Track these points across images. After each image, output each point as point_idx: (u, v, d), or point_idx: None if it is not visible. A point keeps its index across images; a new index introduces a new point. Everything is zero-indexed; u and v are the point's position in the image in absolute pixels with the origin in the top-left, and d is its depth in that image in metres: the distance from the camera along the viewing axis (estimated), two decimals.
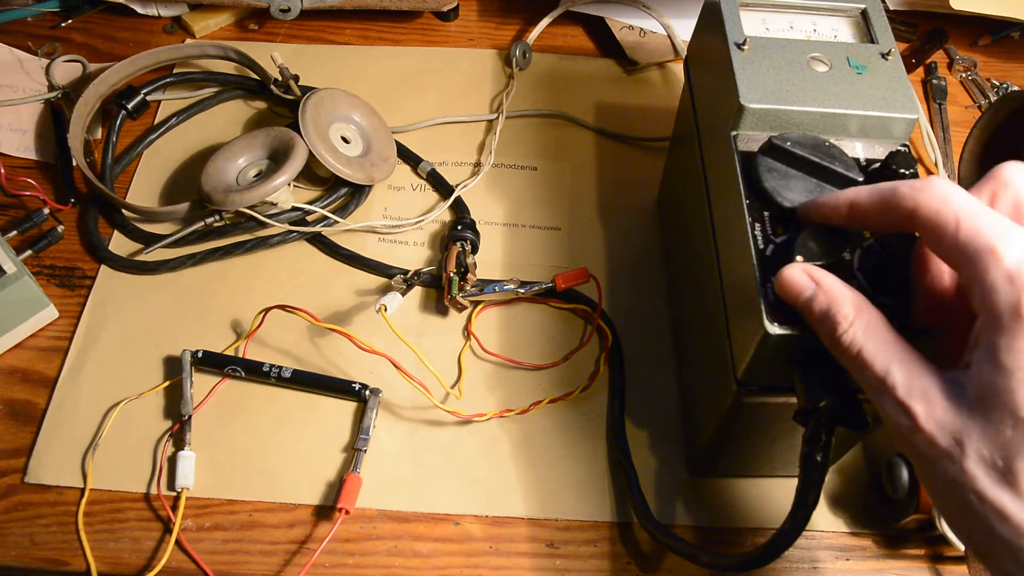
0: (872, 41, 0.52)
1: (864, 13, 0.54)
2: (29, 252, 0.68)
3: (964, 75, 0.85)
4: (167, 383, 0.62)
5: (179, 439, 0.59)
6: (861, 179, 0.45)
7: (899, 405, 0.35)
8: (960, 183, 0.74)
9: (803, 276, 0.40)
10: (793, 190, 0.45)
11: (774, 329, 0.41)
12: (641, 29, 0.85)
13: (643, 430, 0.61)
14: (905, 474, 0.53)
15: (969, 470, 0.34)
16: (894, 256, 0.42)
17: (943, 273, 0.40)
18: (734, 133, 0.48)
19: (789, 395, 0.46)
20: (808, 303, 0.39)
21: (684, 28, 0.83)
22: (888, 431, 0.37)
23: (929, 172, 0.76)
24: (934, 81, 0.84)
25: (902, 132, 0.49)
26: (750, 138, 0.48)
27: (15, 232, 0.68)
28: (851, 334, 0.37)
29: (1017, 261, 0.33)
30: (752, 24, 0.53)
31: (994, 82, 0.84)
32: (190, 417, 0.60)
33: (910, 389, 0.35)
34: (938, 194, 0.36)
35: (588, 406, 0.62)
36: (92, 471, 0.58)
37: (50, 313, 0.65)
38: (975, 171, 0.73)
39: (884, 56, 0.51)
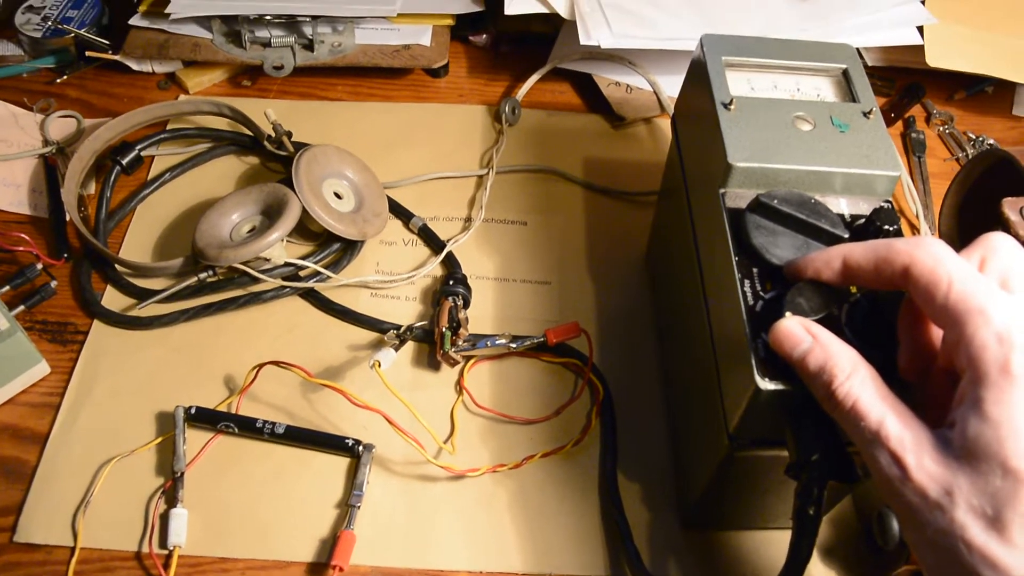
0: (854, 100, 0.54)
1: (845, 73, 0.55)
2: (22, 307, 0.68)
3: (942, 128, 0.87)
4: (160, 439, 0.62)
5: (171, 496, 0.59)
6: (847, 235, 0.46)
7: (891, 456, 0.36)
8: (941, 237, 0.75)
9: (799, 329, 0.41)
10: (781, 247, 0.46)
11: (765, 384, 0.42)
12: (628, 85, 0.86)
13: (636, 483, 0.61)
14: (896, 525, 0.53)
15: (959, 519, 0.34)
16: (881, 312, 0.43)
17: (928, 331, 0.41)
18: (722, 191, 0.49)
19: (781, 448, 0.46)
20: (803, 357, 0.40)
21: (669, 84, 0.85)
22: (877, 483, 0.38)
23: (911, 223, 0.78)
24: (913, 135, 0.86)
25: (885, 189, 0.50)
26: (738, 195, 0.49)
27: (8, 287, 0.68)
28: (847, 387, 0.38)
29: (1005, 323, 0.35)
30: (737, 83, 0.54)
31: (970, 135, 0.86)
32: (182, 474, 0.59)
33: (902, 440, 0.36)
34: (932, 254, 0.37)
35: (580, 459, 0.62)
36: (83, 529, 0.58)
37: (42, 369, 0.65)
38: (955, 225, 0.75)
39: (865, 115, 0.52)
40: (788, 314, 0.42)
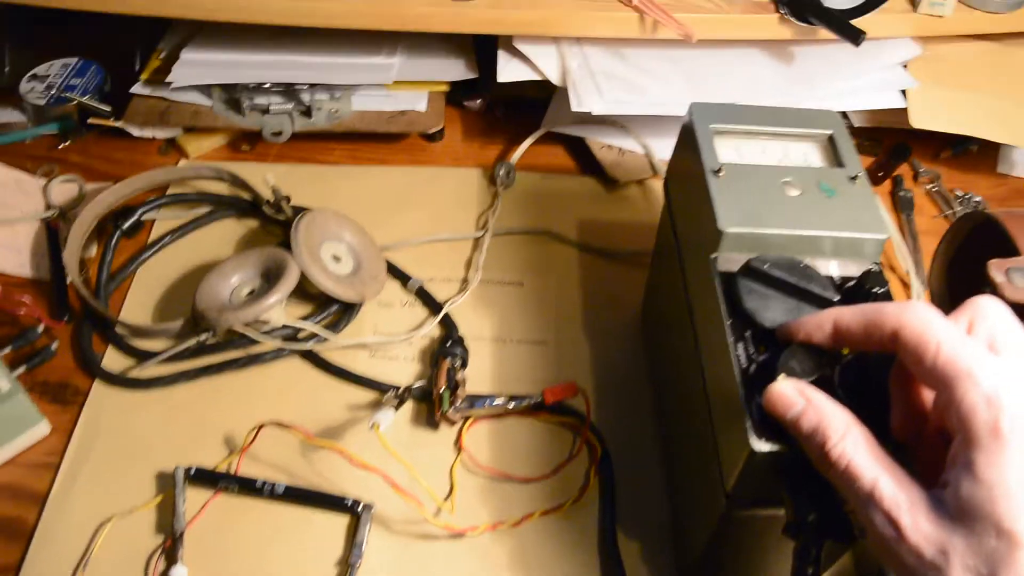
0: (840, 165, 0.55)
1: (831, 138, 0.57)
2: (23, 368, 0.68)
3: (929, 187, 0.89)
4: (159, 498, 0.62)
5: (171, 555, 0.59)
6: (837, 298, 0.47)
7: (886, 516, 0.37)
8: (931, 295, 0.77)
9: (793, 392, 0.42)
10: (773, 310, 0.47)
11: (760, 446, 0.43)
12: (620, 148, 0.88)
13: (635, 541, 0.61)
14: None
15: None
16: (873, 373, 0.44)
17: (919, 392, 0.42)
18: (714, 256, 0.51)
19: (779, 507, 0.47)
20: (796, 419, 0.41)
21: (661, 147, 0.87)
22: (873, 544, 0.38)
23: (902, 280, 0.79)
24: (901, 193, 0.87)
25: (873, 251, 0.51)
26: (729, 259, 0.50)
27: (9, 348, 0.69)
28: (840, 448, 0.39)
29: (993, 386, 0.36)
30: (725, 150, 0.56)
31: (958, 193, 0.88)
32: (182, 533, 0.59)
33: (897, 501, 0.37)
34: (920, 318, 0.39)
35: (579, 518, 0.62)
36: None
37: (42, 429, 0.65)
38: (944, 284, 0.76)
39: (852, 179, 0.53)
40: (781, 376, 0.43)
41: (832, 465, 0.39)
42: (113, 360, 0.71)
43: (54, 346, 0.70)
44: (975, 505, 0.35)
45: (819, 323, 0.43)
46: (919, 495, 0.37)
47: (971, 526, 0.35)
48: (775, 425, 0.43)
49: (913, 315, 0.39)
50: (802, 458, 0.42)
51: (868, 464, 0.38)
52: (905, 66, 0.90)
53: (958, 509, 0.35)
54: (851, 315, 0.42)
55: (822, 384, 0.43)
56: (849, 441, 0.39)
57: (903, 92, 0.88)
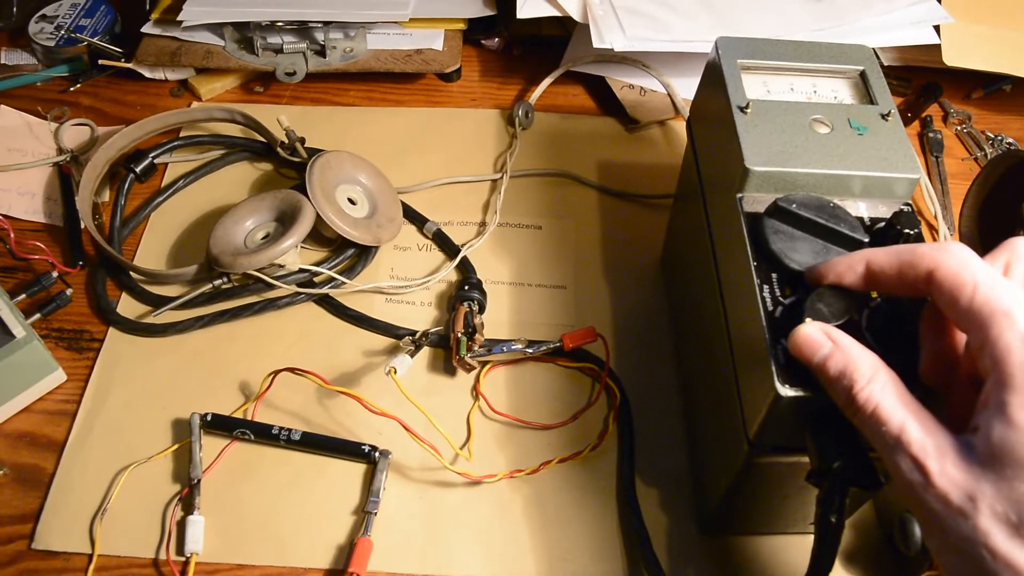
0: (871, 102, 0.53)
1: (863, 74, 0.55)
2: (38, 315, 0.68)
3: (959, 128, 0.87)
4: (176, 446, 0.62)
5: (188, 503, 0.59)
6: (866, 239, 0.46)
7: (913, 461, 0.36)
8: (960, 238, 0.75)
9: (820, 335, 0.41)
10: (800, 251, 0.46)
11: (785, 391, 0.42)
12: (642, 88, 0.86)
13: (653, 488, 0.61)
14: (918, 531, 0.53)
15: (982, 526, 0.34)
16: (902, 316, 0.43)
17: (950, 335, 0.41)
18: (739, 195, 0.49)
19: (801, 455, 0.46)
20: (823, 362, 0.40)
21: (683, 86, 0.85)
22: (899, 489, 0.37)
23: (929, 224, 0.77)
24: (930, 134, 0.85)
25: (904, 191, 0.49)
26: (755, 199, 0.49)
27: (24, 295, 0.68)
28: (867, 392, 0.38)
29: None
30: (753, 86, 0.54)
31: (989, 134, 0.86)
32: (199, 481, 0.59)
33: (924, 446, 0.36)
34: (957, 258, 0.37)
35: (598, 465, 0.62)
36: (100, 536, 0.58)
37: (58, 377, 0.65)
38: (975, 227, 0.74)
39: (884, 117, 0.52)
40: (808, 319, 0.42)
41: (859, 410, 0.38)
42: (128, 306, 0.70)
43: (69, 292, 0.69)
44: (1007, 449, 0.34)
45: (850, 264, 0.42)
46: (948, 440, 0.36)
47: (1001, 471, 0.34)
48: (801, 370, 0.42)
49: (950, 255, 0.38)
50: (827, 404, 0.41)
51: (896, 408, 0.37)
52: (940, 0, 0.87)
53: (988, 454, 0.34)
54: (884, 256, 0.41)
55: (849, 328, 0.42)
56: (877, 385, 0.38)
57: (936, 28, 0.85)
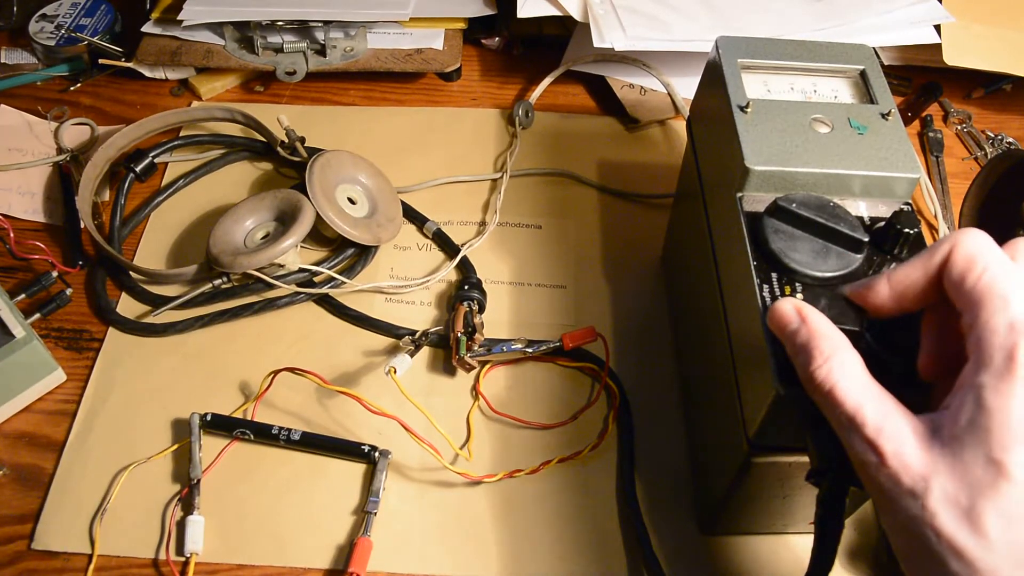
0: (872, 101, 0.53)
1: (863, 74, 0.55)
2: (37, 315, 0.68)
3: (959, 127, 0.87)
4: (175, 446, 0.62)
5: (188, 503, 0.59)
6: (866, 239, 0.46)
7: (867, 443, 0.36)
8: None
9: (791, 310, 0.41)
10: (799, 251, 0.46)
11: (786, 390, 0.42)
12: (642, 87, 0.86)
13: (653, 488, 0.61)
14: None
15: (930, 507, 0.34)
16: (902, 317, 0.43)
17: (952, 331, 0.40)
18: (740, 195, 0.49)
19: (801, 454, 0.46)
20: (792, 336, 0.40)
21: (684, 86, 0.85)
22: (856, 470, 0.37)
23: (929, 223, 0.77)
24: (930, 134, 0.85)
25: (904, 191, 0.49)
26: (755, 199, 0.49)
27: (24, 295, 0.68)
28: (824, 370, 0.38)
29: (1022, 313, 0.34)
30: (754, 86, 0.54)
31: (989, 134, 0.86)
32: (199, 481, 0.59)
33: (879, 428, 0.36)
34: (977, 240, 0.38)
35: (598, 465, 0.62)
36: (100, 536, 0.58)
37: (58, 376, 0.65)
38: (975, 227, 0.74)
39: (884, 116, 0.52)
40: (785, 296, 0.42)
41: (816, 387, 0.38)
42: (128, 306, 0.70)
43: (68, 292, 0.69)
44: (971, 431, 0.34)
45: (876, 289, 0.42)
46: (908, 423, 0.36)
47: (960, 453, 0.34)
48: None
49: (970, 236, 0.38)
50: None
51: (852, 390, 0.37)
52: (940, 0, 0.87)
53: (951, 435, 0.34)
54: (906, 267, 0.40)
55: (852, 332, 0.42)
56: (835, 363, 0.38)
57: (937, 28, 0.85)
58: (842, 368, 0.38)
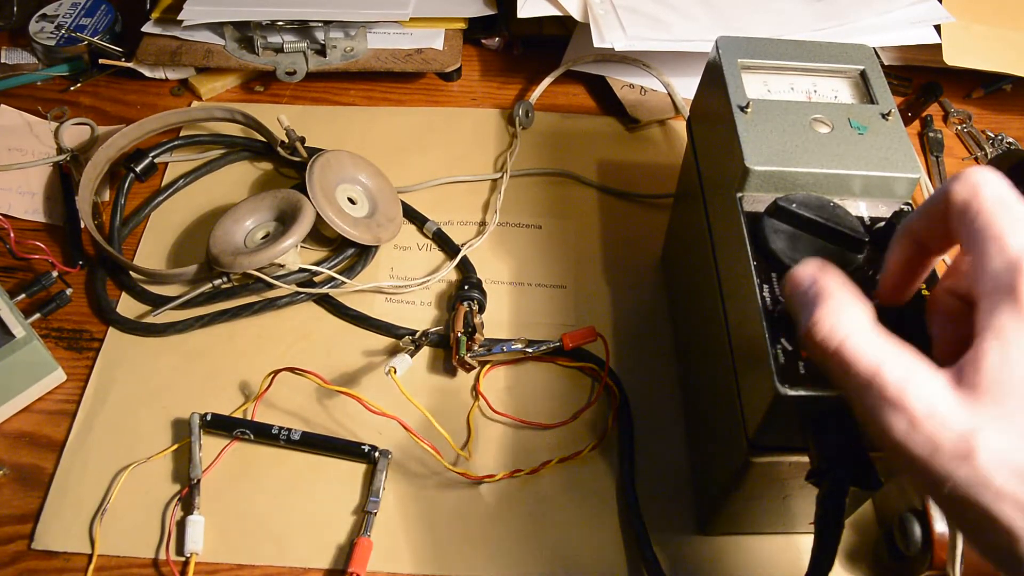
0: (872, 102, 0.53)
1: (863, 74, 0.55)
2: (37, 315, 0.68)
3: (959, 127, 0.86)
4: (175, 446, 0.62)
5: (188, 503, 0.59)
6: (866, 239, 0.46)
7: (891, 406, 0.31)
8: None
9: (809, 272, 0.37)
10: (800, 251, 0.46)
11: (785, 391, 0.42)
12: (642, 87, 0.86)
13: (653, 487, 0.61)
14: (918, 530, 0.53)
15: (983, 468, 0.30)
16: (902, 317, 0.43)
17: (962, 322, 0.37)
18: (740, 195, 0.49)
19: (801, 454, 0.46)
20: (801, 295, 0.36)
21: (684, 86, 0.85)
22: (877, 439, 0.33)
23: None
24: (930, 134, 0.85)
25: (905, 191, 0.49)
26: (755, 199, 0.49)
27: (24, 295, 0.68)
28: (829, 324, 0.33)
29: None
30: (754, 86, 0.54)
31: (989, 134, 0.86)
32: (199, 481, 0.59)
33: (904, 387, 0.31)
34: (985, 172, 0.35)
35: (597, 465, 0.62)
36: (100, 536, 0.58)
37: (58, 376, 0.65)
38: None
39: (884, 116, 0.52)
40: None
41: (818, 345, 0.34)
42: (128, 306, 0.70)
43: (68, 292, 0.69)
44: (1004, 377, 0.30)
45: (890, 251, 0.39)
46: (934, 375, 0.32)
47: (1002, 401, 0.30)
48: (801, 369, 0.42)
49: (979, 169, 0.35)
50: (827, 402, 0.41)
51: (868, 343, 0.33)
52: (940, 0, 0.87)
53: (985, 384, 0.31)
54: (918, 217, 0.37)
55: None
56: (844, 316, 0.34)
57: (937, 28, 0.85)
58: (852, 321, 0.33)
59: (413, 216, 0.76)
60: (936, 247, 0.38)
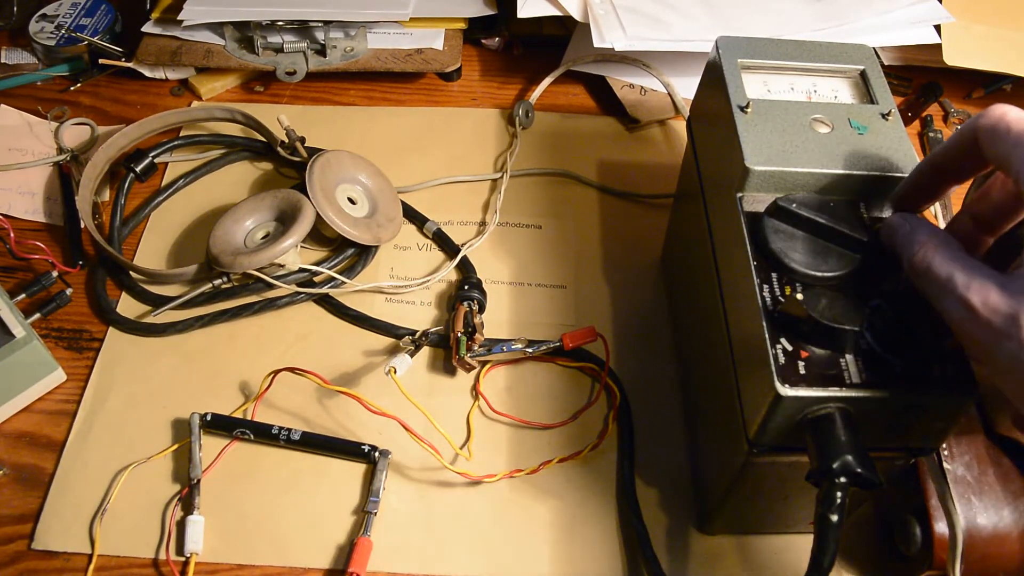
0: (872, 102, 0.53)
1: (863, 74, 0.55)
2: (38, 315, 0.68)
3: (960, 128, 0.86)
4: (175, 446, 0.62)
5: (188, 503, 0.59)
6: (866, 239, 0.46)
7: (958, 300, 0.39)
8: None
9: (899, 218, 0.45)
10: (800, 251, 0.46)
11: (785, 391, 0.42)
12: (642, 87, 0.86)
13: (653, 487, 0.61)
14: (918, 530, 0.53)
15: None
16: (903, 318, 0.43)
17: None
18: (740, 195, 0.49)
19: (801, 454, 0.46)
20: (903, 237, 0.44)
21: (684, 86, 0.85)
22: (954, 330, 0.40)
23: None
24: (931, 134, 0.85)
25: None
26: (755, 199, 0.49)
27: (24, 295, 0.68)
28: (921, 254, 0.42)
29: None
30: (754, 86, 0.54)
31: None
32: (199, 481, 0.59)
33: (968, 286, 0.39)
34: (1002, 106, 0.41)
35: (597, 465, 0.62)
36: (100, 536, 0.58)
37: (58, 376, 0.65)
38: None
39: (884, 116, 0.52)
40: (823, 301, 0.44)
41: (915, 270, 0.42)
42: (128, 306, 0.70)
43: (69, 292, 0.69)
44: None
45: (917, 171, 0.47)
46: (992, 278, 0.39)
47: None
48: (800, 369, 0.42)
49: (997, 105, 0.41)
50: (827, 404, 0.41)
51: (945, 262, 0.41)
52: (940, 0, 0.87)
53: None
54: (944, 149, 0.44)
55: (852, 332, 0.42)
56: (930, 247, 0.42)
57: (937, 28, 0.85)
58: (936, 250, 0.41)
59: (413, 216, 0.76)
60: (954, 175, 0.45)
